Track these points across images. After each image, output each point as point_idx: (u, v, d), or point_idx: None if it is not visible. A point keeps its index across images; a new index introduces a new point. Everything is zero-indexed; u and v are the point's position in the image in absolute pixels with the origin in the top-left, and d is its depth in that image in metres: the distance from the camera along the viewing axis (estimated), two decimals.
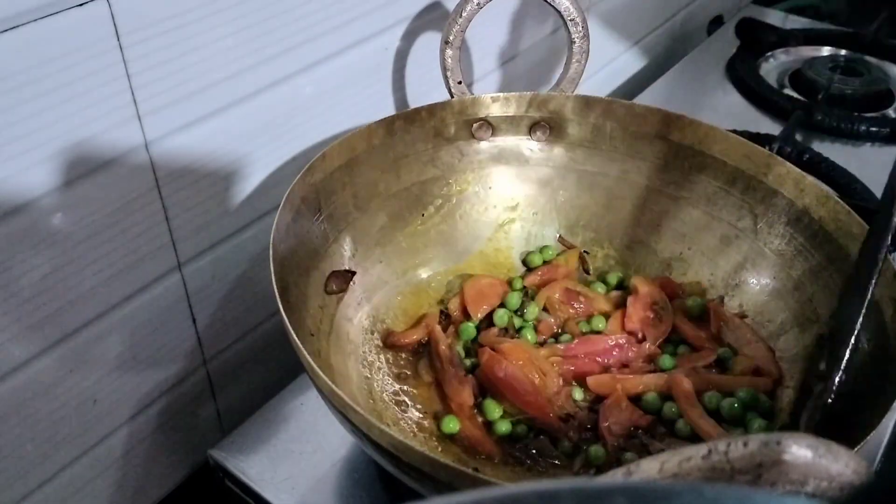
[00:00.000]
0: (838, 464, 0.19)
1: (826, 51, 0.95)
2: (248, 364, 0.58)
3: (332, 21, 0.52)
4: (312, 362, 0.37)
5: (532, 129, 0.57)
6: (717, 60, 0.93)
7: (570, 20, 0.55)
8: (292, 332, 0.38)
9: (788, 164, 0.51)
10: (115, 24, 0.40)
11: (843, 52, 0.94)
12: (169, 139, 0.45)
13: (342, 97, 0.56)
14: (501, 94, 0.56)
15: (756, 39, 0.93)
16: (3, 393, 0.42)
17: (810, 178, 0.50)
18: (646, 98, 0.85)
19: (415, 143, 0.55)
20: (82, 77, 0.39)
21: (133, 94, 0.42)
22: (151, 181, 0.45)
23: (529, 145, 0.58)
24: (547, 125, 0.57)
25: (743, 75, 0.88)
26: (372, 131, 0.52)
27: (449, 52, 0.54)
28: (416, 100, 0.63)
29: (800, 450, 0.19)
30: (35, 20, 0.37)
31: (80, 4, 0.38)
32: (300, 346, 0.38)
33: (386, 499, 0.46)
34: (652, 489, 0.15)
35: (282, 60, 0.50)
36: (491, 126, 0.57)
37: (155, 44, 0.42)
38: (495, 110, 0.56)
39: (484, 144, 0.57)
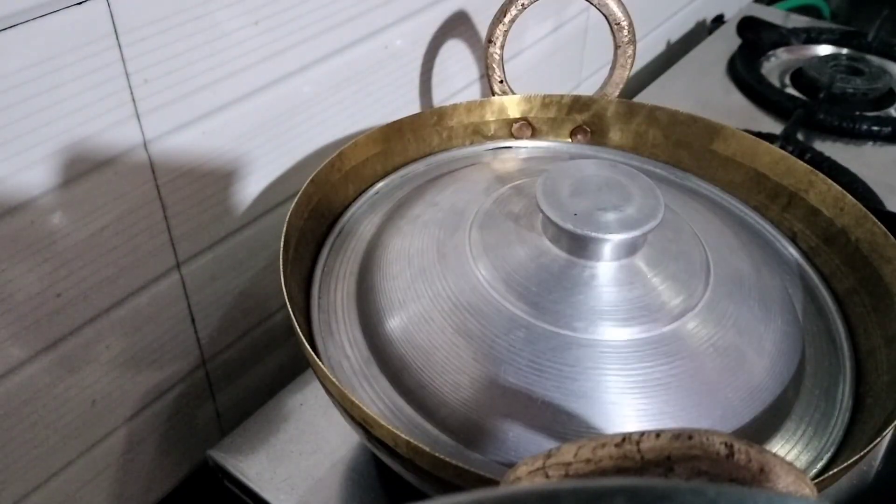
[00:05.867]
0: (752, 462, 0.19)
1: (828, 49, 0.95)
2: (248, 364, 0.58)
3: (331, 19, 0.52)
4: (318, 361, 0.37)
5: (573, 133, 0.57)
6: (719, 59, 0.92)
7: (616, 24, 0.55)
8: (299, 330, 0.38)
9: (830, 181, 0.48)
10: (113, 23, 0.40)
11: (844, 50, 0.94)
12: (168, 138, 0.45)
13: (341, 96, 0.56)
14: (543, 95, 0.55)
15: (757, 38, 0.93)
16: (1, 393, 0.42)
17: (850, 198, 0.47)
18: (646, 96, 0.84)
19: (451, 139, 0.54)
20: (81, 76, 0.39)
21: (132, 92, 0.42)
22: (150, 180, 0.45)
23: (569, 149, 0.57)
24: (588, 129, 0.56)
25: (744, 74, 0.88)
26: (403, 125, 0.51)
27: (492, 50, 0.54)
28: (416, 99, 0.63)
29: (712, 446, 0.19)
30: (33, 19, 0.37)
31: (79, 3, 0.38)
32: (306, 344, 0.37)
33: (386, 499, 0.46)
34: (652, 489, 0.15)
35: (281, 59, 0.50)
36: (531, 127, 0.56)
37: (154, 42, 0.42)
38: (537, 111, 0.56)
39: (523, 143, 0.57)
